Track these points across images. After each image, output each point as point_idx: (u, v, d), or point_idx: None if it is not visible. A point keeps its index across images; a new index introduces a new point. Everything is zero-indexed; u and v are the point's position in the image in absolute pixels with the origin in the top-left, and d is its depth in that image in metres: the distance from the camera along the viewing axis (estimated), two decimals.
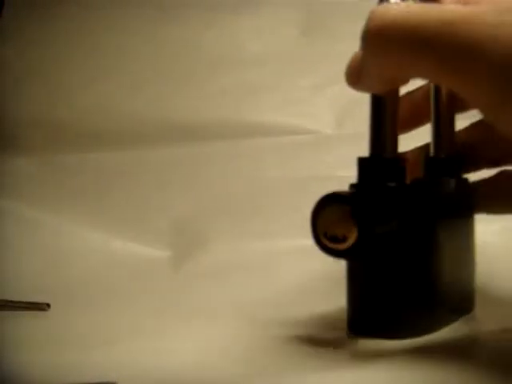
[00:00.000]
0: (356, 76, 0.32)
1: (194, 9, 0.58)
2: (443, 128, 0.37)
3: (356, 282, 0.35)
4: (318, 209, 0.33)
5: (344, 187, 0.35)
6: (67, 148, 0.55)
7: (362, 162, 0.34)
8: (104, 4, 0.58)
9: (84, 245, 0.49)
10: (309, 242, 0.45)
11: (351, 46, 0.32)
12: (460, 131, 0.37)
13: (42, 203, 0.51)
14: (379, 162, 0.34)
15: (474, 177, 0.37)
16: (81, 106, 0.56)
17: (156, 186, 0.52)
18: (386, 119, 0.33)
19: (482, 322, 0.36)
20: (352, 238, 0.32)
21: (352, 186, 0.34)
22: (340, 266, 0.35)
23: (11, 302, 0.38)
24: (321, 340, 0.35)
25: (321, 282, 0.40)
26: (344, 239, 0.33)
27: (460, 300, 0.37)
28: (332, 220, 0.33)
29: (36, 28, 0.57)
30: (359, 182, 0.34)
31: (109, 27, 0.57)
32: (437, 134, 0.37)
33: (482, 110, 0.29)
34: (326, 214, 0.33)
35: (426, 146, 0.38)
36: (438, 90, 0.37)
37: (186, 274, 0.46)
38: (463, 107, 0.37)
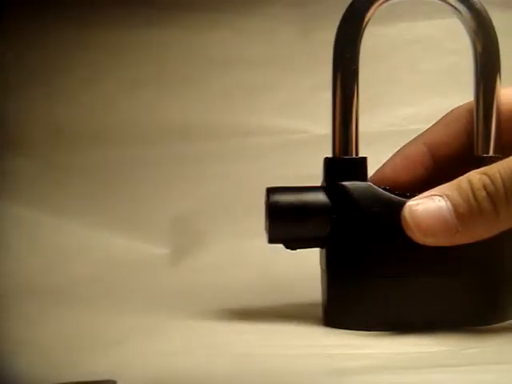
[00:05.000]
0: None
1: (194, 10, 0.58)
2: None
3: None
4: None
5: None
6: (67, 148, 0.55)
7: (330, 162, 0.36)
8: (105, 4, 0.59)
9: (84, 244, 0.49)
10: None
11: None
12: None
13: (42, 203, 0.51)
14: (348, 163, 0.35)
15: None
16: (81, 106, 0.56)
17: (156, 185, 0.52)
18: (353, 120, 0.35)
19: None
20: None
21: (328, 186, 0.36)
22: None
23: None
24: (315, 335, 0.35)
25: (318, 279, 0.40)
26: None
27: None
28: None
29: (36, 28, 0.57)
30: (327, 181, 0.36)
31: (109, 27, 0.57)
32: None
33: None
34: None
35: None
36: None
37: (185, 271, 0.46)
38: None
